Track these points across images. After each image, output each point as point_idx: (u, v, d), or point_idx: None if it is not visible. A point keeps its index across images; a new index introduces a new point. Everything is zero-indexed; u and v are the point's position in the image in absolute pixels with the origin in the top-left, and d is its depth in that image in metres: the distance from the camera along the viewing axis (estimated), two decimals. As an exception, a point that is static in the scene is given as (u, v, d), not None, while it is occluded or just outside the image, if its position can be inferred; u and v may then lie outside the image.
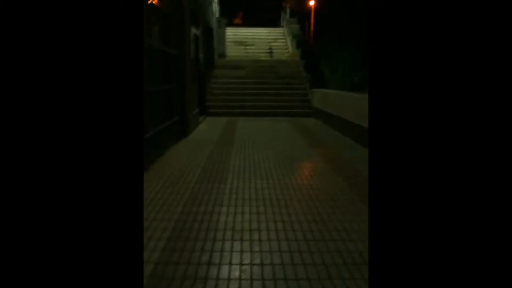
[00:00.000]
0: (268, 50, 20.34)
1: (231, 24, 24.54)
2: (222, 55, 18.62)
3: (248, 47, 21.02)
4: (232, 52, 20.23)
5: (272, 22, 25.46)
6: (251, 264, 2.95)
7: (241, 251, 3.16)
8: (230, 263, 2.96)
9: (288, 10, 23.25)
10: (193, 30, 10.64)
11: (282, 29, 23.42)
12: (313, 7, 21.08)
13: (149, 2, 6.21)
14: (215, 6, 17.57)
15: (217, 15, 18.40)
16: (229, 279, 2.76)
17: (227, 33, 21.26)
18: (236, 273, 2.83)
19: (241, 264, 2.96)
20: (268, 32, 22.93)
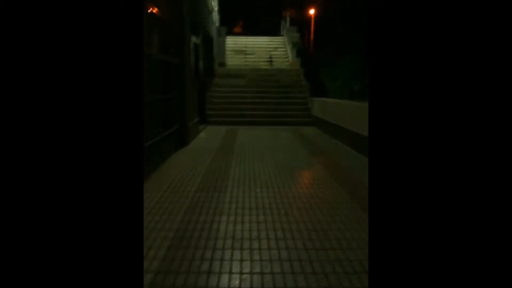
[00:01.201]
0: (268, 59, 20.38)
1: (231, 33, 24.62)
2: (222, 64, 18.66)
3: (248, 56, 21.07)
4: (232, 61, 20.28)
5: (272, 31, 25.54)
6: (251, 273, 2.95)
7: (241, 260, 3.15)
8: (230, 272, 2.96)
9: (288, 19, 23.33)
10: (193, 39, 10.68)
11: (282, 37, 23.50)
12: (313, 16, 21.18)
13: (149, 11, 6.23)
14: (215, 15, 17.65)
15: (217, 24, 18.48)
16: (229, 288, 2.76)
17: (227, 42, 21.32)
18: (236, 282, 2.82)
19: (241, 273, 2.95)
20: (268, 41, 23.01)
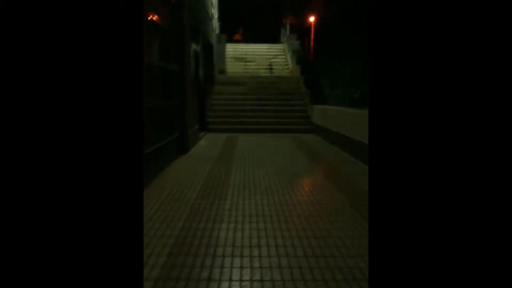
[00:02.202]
0: (268, 66, 20.42)
1: (231, 40, 24.68)
2: (222, 71, 18.68)
3: (248, 63, 21.11)
4: (232, 68, 20.31)
5: (272, 38, 25.59)
6: (251, 280, 2.94)
7: (241, 267, 3.15)
8: (230, 279, 2.95)
9: (288, 26, 23.38)
10: (193, 46, 10.70)
11: (282, 45, 23.55)
12: (313, 23, 21.24)
13: (149, 18, 6.25)
14: (215, 23, 17.70)
15: (217, 31, 18.53)
16: (229, 295, 2.76)
17: (227, 49, 21.37)
18: (236, 290, 2.82)
19: (241, 280, 2.94)
20: (268, 48, 23.06)
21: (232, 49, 22.26)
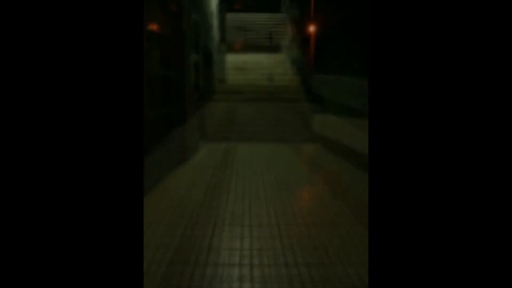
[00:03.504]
0: (268, 76, 20.45)
1: (231, 49, 24.74)
2: (222, 80, 18.71)
3: (248, 72, 21.15)
4: (232, 77, 20.33)
5: (272, 48, 25.66)
6: (251, 289, 2.94)
7: (241, 276, 3.14)
8: (230, 288, 2.95)
9: (288, 36, 23.44)
10: (193, 56, 10.73)
11: (282, 54, 23.60)
12: (313, 33, 21.30)
13: (149, 27, 6.28)
14: (216, 32, 17.75)
15: (217, 40, 18.57)
16: (229, 304, 2.75)
17: (227, 59, 21.41)
18: (236, 298, 2.82)
19: (241, 289, 2.95)
20: (268, 58, 23.10)
21: (233, 58, 22.31)
